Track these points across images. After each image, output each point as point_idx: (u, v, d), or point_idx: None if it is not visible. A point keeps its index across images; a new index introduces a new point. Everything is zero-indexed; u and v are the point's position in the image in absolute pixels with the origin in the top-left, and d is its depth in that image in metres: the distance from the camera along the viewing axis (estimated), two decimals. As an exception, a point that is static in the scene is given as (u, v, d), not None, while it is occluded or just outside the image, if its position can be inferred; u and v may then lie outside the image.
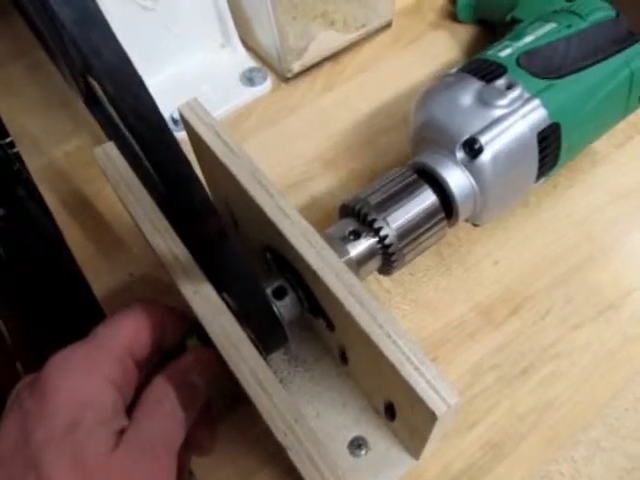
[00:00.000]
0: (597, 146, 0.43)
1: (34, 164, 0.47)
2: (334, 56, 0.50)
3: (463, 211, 0.33)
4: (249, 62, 0.50)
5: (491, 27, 0.50)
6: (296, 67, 0.48)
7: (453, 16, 0.52)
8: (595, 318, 0.36)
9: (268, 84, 0.49)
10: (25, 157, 0.48)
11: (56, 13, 0.19)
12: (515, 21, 0.44)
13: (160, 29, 0.47)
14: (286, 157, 0.44)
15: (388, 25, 0.52)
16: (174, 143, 0.23)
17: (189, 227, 0.25)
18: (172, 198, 0.24)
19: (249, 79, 0.48)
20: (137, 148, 0.33)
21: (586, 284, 0.38)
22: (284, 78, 0.49)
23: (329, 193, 0.42)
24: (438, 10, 0.54)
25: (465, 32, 0.52)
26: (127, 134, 0.37)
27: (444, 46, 0.51)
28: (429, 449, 0.30)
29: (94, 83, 0.40)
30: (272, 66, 0.50)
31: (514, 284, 0.38)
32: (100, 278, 0.40)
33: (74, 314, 0.63)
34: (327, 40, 0.48)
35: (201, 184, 0.24)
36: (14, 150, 0.71)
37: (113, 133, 0.36)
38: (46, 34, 0.37)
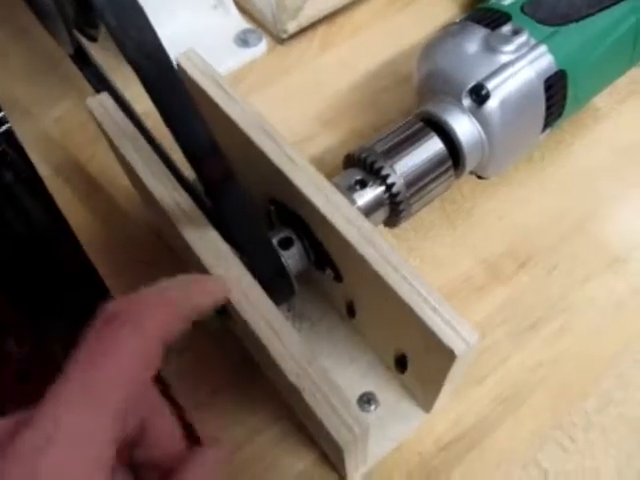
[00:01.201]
0: (599, 102, 0.42)
1: (25, 133, 0.46)
2: (330, 17, 0.49)
3: (470, 160, 0.32)
4: (243, 24, 0.49)
5: (489, -14, 0.49)
6: (292, 27, 0.47)
7: (451, -25, 0.51)
8: (602, 271, 0.36)
9: (263, 45, 0.47)
10: (15, 126, 0.46)
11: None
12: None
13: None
14: (284, 118, 0.43)
15: (384, -14, 0.51)
16: (178, 80, 0.22)
17: (194, 168, 0.24)
18: (176, 137, 0.23)
19: (243, 41, 0.47)
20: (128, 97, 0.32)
21: (592, 238, 0.37)
22: (279, 39, 0.48)
23: (330, 152, 0.41)
24: (435, -30, 0.52)
25: (463, -8, 0.51)
26: (118, 88, 0.36)
27: (442, 7, 0.50)
28: (440, 402, 0.30)
29: (83, 40, 0.38)
30: (267, 27, 0.48)
31: (520, 239, 0.37)
32: (96, 244, 0.39)
33: (69, 286, 0.62)
34: (323, -1, 0.47)
35: (206, 124, 0.23)
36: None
37: (104, 89, 0.35)
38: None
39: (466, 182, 0.38)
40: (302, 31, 0.48)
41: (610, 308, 0.35)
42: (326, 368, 0.31)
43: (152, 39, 0.21)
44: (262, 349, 0.23)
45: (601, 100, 0.42)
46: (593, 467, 0.30)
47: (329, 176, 0.34)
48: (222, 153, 0.24)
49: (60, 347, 0.62)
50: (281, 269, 0.28)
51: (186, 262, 0.34)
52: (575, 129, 0.41)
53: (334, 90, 0.45)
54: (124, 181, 0.39)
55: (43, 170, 0.44)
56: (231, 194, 0.24)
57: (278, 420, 0.32)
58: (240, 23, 0.49)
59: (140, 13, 0.21)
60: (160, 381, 0.34)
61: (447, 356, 0.22)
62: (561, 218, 0.38)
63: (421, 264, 0.36)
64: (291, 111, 0.44)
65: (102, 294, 0.38)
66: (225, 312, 0.27)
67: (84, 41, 0.37)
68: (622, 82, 0.41)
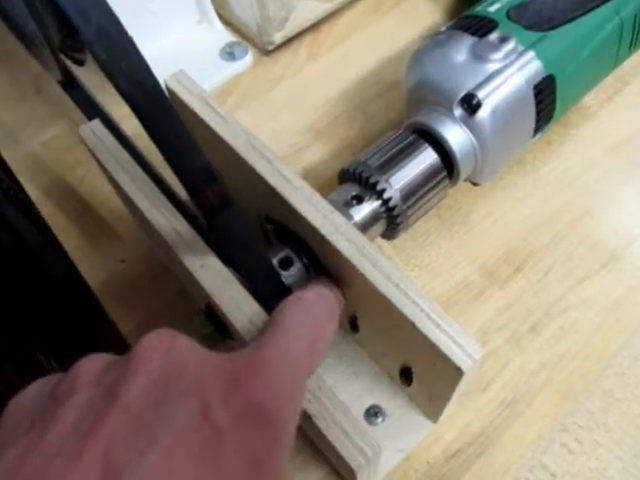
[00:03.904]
0: (587, 101, 0.42)
1: (12, 156, 0.45)
2: (315, 26, 0.49)
3: (464, 169, 0.32)
4: (228, 37, 0.48)
5: (471, -12, 0.50)
6: (278, 38, 0.46)
7: (432, -21, 0.52)
8: (598, 271, 0.36)
9: (249, 58, 0.47)
10: (2, 149, 0.46)
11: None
12: (497, -21, 0.43)
13: (135, 8, 0.45)
14: (274, 130, 0.43)
15: (367, -8, 0.51)
16: (170, 108, 0.22)
17: (191, 196, 0.24)
18: (171, 166, 0.23)
19: (229, 54, 0.47)
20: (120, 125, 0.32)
21: (586, 237, 0.38)
22: (265, 51, 0.48)
23: (322, 163, 0.41)
24: (417, -26, 0.53)
25: (446, -6, 0.51)
26: (108, 112, 0.36)
27: (425, 10, 0.50)
28: (446, 412, 0.30)
29: (71, 66, 0.38)
30: (252, 40, 0.48)
31: (516, 242, 0.37)
32: (92, 267, 0.39)
33: (63, 313, 0.61)
34: (307, 9, 0.47)
35: (201, 149, 0.23)
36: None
37: (96, 114, 0.35)
38: (19, 14, 0.35)
39: (460, 189, 0.38)
40: (288, 41, 0.48)
41: (608, 307, 0.35)
42: (333, 384, 0.32)
43: (143, 69, 0.21)
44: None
45: (589, 99, 0.42)
46: (600, 467, 0.31)
47: (324, 187, 0.35)
48: (219, 178, 0.24)
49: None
50: (282, 290, 0.28)
51: (184, 282, 0.34)
52: (565, 129, 0.41)
53: (323, 100, 0.45)
54: (116, 202, 0.39)
55: (32, 192, 0.43)
56: (229, 219, 0.24)
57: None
58: (225, 36, 0.48)
59: (130, 44, 0.21)
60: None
61: (454, 372, 0.23)
62: (555, 219, 0.38)
63: (420, 273, 0.36)
64: (281, 123, 0.44)
65: (96, 314, 0.38)
66: (226, 331, 0.27)
67: (71, 66, 0.37)
68: (609, 80, 0.42)
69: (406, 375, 0.29)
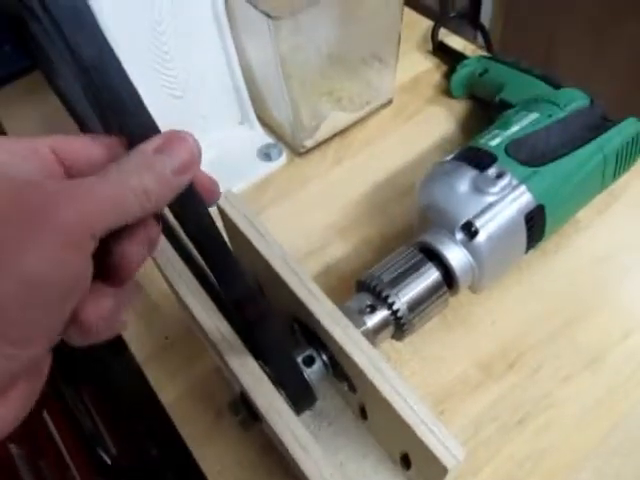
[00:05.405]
0: (580, 214, 0.48)
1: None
2: (342, 131, 0.56)
3: (463, 283, 0.38)
4: (265, 138, 0.55)
5: (483, 103, 0.56)
6: (309, 143, 0.53)
7: (448, 92, 0.58)
8: (582, 371, 0.41)
9: (283, 159, 0.54)
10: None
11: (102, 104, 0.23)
12: (503, 102, 0.50)
13: (187, 113, 0.53)
14: (302, 227, 0.50)
15: (390, 102, 0.58)
16: (224, 245, 0.28)
17: (235, 310, 0.30)
18: (219, 284, 0.29)
19: (266, 155, 0.54)
20: (187, 246, 0.38)
21: (574, 340, 0.43)
22: (297, 153, 0.55)
23: (344, 259, 0.47)
24: (435, 87, 0.60)
25: (460, 106, 0.58)
26: (169, 221, 0.42)
27: (441, 119, 0.57)
28: (440, 494, 0.35)
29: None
30: (286, 141, 0.55)
31: (510, 341, 0.43)
32: (138, 342, 0.45)
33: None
34: (336, 118, 0.54)
35: (244, 272, 0.28)
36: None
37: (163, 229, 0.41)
38: (89, 120, 0.42)
39: (463, 292, 0.44)
40: (318, 145, 0.55)
41: (589, 405, 0.40)
42: (343, 462, 0.37)
43: (207, 220, 0.27)
44: (289, 455, 0.29)
45: (582, 212, 0.48)
46: None
47: (344, 282, 0.40)
48: (258, 297, 0.30)
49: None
50: (305, 385, 0.33)
51: (219, 364, 0.39)
52: (558, 239, 0.47)
53: (346, 200, 0.51)
54: (162, 284, 0.45)
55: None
56: (265, 331, 0.30)
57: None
58: (263, 138, 0.55)
59: (200, 202, 0.27)
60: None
61: (441, 469, 0.28)
62: (546, 321, 0.43)
63: (424, 365, 0.42)
64: (309, 220, 0.50)
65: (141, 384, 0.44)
66: (258, 417, 0.33)
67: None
68: (600, 195, 0.47)
69: (405, 461, 0.34)
